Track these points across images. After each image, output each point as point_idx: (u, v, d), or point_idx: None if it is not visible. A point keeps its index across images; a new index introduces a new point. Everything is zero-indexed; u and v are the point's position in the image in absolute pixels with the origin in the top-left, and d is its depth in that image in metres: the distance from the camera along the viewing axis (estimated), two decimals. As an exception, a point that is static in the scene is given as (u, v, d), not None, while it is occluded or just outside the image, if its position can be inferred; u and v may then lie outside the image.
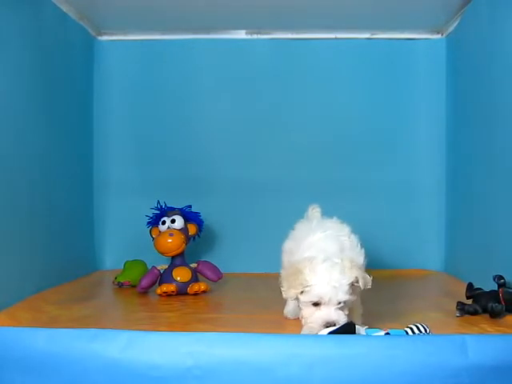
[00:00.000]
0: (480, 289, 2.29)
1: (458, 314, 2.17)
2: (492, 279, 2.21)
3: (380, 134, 3.39)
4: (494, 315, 2.10)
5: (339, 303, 1.74)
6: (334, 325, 1.69)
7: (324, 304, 1.74)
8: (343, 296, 1.74)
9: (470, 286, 2.34)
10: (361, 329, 1.69)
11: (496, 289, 2.18)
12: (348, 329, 1.63)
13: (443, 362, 1.45)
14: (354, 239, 1.95)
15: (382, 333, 1.65)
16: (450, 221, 3.26)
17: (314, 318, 1.74)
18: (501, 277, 2.18)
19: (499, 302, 2.11)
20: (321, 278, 1.74)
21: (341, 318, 1.72)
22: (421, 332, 1.69)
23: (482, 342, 1.48)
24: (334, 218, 2.07)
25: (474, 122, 2.82)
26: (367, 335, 1.65)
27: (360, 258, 1.89)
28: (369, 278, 1.82)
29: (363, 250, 1.93)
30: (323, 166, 3.37)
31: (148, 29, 3.38)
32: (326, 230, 1.93)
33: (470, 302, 2.24)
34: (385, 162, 3.39)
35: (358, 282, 1.78)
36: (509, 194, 2.35)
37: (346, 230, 1.97)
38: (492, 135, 2.56)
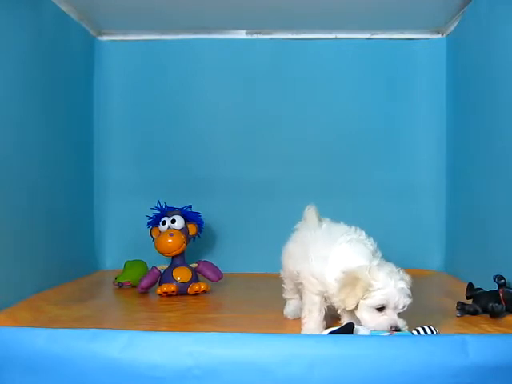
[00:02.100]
0: (480, 289, 2.30)
1: (458, 314, 2.18)
2: (492, 279, 2.21)
3: (380, 134, 3.39)
4: (494, 315, 2.10)
5: (403, 307, 1.74)
6: (399, 330, 1.70)
7: (389, 308, 1.73)
8: (408, 300, 1.74)
9: (470, 286, 2.34)
10: (360, 329, 1.69)
11: (496, 289, 2.18)
12: (348, 329, 1.63)
13: (444, 361, 1.45)
14: (373, 242, 1.94)
15: (387, 334, 1.65)
16: (450, 221, 3.26)
17: (379, 323, 1.73)
18: (501, 277, 2.19)
19: (499, 302, 2.11)
20: (387, 281, 1.73)
21: (404, 325, 1.73)
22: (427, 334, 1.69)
23: (482, 342, 1.49)
24: (341, 223, 2.04)
25: (474, 122, 2.82)
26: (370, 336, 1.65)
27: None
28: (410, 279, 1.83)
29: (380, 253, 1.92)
30: (323, 166, 3.37)
31: (148, 29, 3.38)
32: (348, 236, 1.91)
33: (470, 302, 2.24)
34: (385, 162, 3.39)
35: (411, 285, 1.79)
36: (509, 195, 2.35)
37: (363, 233, 1.96)
38: (492, 135, 2.56)
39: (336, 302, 1.82)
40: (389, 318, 1.73)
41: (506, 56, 2.39)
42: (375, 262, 1.81)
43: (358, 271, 1.76)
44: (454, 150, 3.19)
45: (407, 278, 1.78)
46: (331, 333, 1.65)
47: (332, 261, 1.85)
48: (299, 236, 2.14)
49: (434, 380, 1.45)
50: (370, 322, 1.74)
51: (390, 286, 1.73)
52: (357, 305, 1.76)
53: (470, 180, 2.88)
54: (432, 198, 3.36)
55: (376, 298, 1.73)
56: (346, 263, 1.81)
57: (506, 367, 1.46)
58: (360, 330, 1.68)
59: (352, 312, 1.81)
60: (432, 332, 1.70)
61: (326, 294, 1.89)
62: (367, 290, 1.73)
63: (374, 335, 1.65)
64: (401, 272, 1.78)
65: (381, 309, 1.74)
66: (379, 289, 1.73)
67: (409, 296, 1.74)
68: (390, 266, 1.79)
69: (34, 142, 2.56)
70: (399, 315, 1.74)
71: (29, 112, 2.50)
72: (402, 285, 1.74)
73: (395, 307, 1.73)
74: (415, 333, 1.70)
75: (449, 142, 3.28)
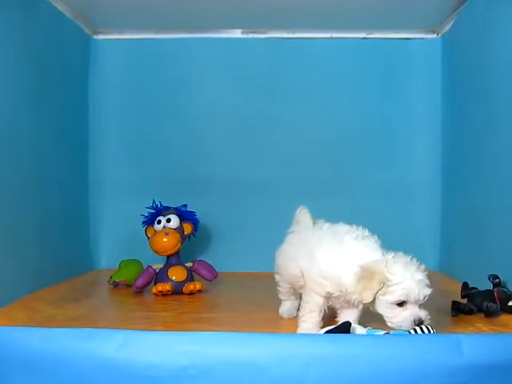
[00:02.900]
0: (475, 288, 2.30)
1: (453, 314, 2.18)
2: (487, 278, 2.21)
3: (375, 133, 3.40)
4: (489, 314, 2.10)
5: (424, 298, 1.72)
6: (422, 322, 1.69)
7: (410, 302, 1.72)
8: (428, 290, 1.73)
9: (465, 286, 2.35)
10: (357, 328, 1.69)
11: (491, 288, 2.19)
12: (344, 328, 1.63)
13: (439, 361, 1.45)
14: (377, 239, 1.93)
15: (384, 333, 1.65)
16: (445, 220, 3.27)
17: (403, 318, 1.71)
18: (496, 276, 2.19)
19: (494, 302, 2.12)
20: (404, 275, 1.71)
21: (427, 315, 1.72)
22: (424, 333, 1.69)
23: (477, 341, 1.49)
24: (341, 223, 2.01)
25: (470, 122, 2.83)
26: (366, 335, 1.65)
27: None
28: None
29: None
30: (319, 165, 3.38)
31: (144, 28, 3.37)
32: (354, 233, 1.90)
33: (465, 301, 2.24)
34: (380, 161, 3.39)
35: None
36: (504, 194, 2.36)
37: (366, 231, 1.95)
38: (487, 135, 2.57)
39: (353, 297, 1.80)
40: (411, 312, 1.71)
41: (501, 55, 2.40)
42: (390, 254, 1.79)
43: (374, 265, 1.75)
44: (449, 150, 3.20)
45: (423, 267, 1.77)
46: (327, 332, 1.64)
47: (344, 259, 1.82)
48: (295, 238, 2.12)
49: (430, 379, 1.45)
50: (393, 318, 1.73)
51: (408, 280, 1.71)
52: (374, 300, 1.74)
53: (465, 180, 2.89)
54: (427, 197, 3.36)
55: (396, 294, 1.71)
56: (360, 259, 1.79)
57: (500, 366, 1.46)
58: (357, 329, 1.68)
59: (349, 311, 1.81)
60: (429, 331, 1.69)
61: (336, 294, 1.86)
62: (384, 283, 1.72)
63: (370, 334, 1.65)
64: (416, 262, 1.76)
65: (401, 303, 1.72)
66: (397, 283, 1.71)
67: (428, 286, 1.73)
68: (405, 258, 1.77)
69: (28, 140, 2.55)
70: (420, 306, 1.73)
71: (23, 111, 2.49)
72: (420, 276, 1.72)
73: (416, 301, 1.72)
74: (412, 332, 1.69)
75: (444, 141, 3.28)
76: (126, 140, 3.45)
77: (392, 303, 1.72)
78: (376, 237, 1.92)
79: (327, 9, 3.01)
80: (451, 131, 3.16)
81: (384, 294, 1.72)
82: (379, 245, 1.88)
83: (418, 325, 1.69)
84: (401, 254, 1.81)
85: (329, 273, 1.86)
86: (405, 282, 1.71)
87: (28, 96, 2.56)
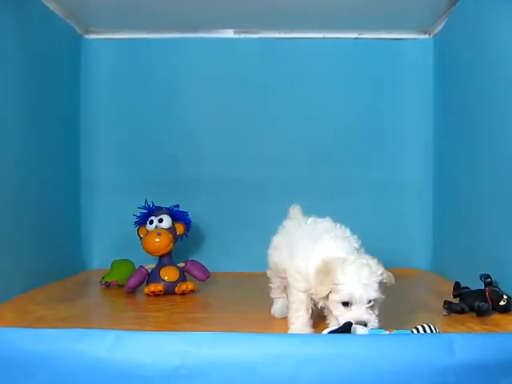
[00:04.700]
0: (467, 288, 2.31)
1: (445, 313, 2.19)
2: (479, 278, 2.22)
3: (367, 133, 3.40)
4: (481, 314, 2.11)
5: (369, 302, 1.73)
6: (365, 325, 1.70)
7: (355, 304, 1.73)
8: (373, 294, 1.73)
9: (456, 285, 2.36)
10: (358, 328, 1.69)
11: (483, 288, 2.19)
12: (346, 328, 1.63)
13: (430, 360, 1.45)
14: (358, 239, 1.94)
15: (387, 333, 1.65)
16: (437, 220, 3.28)
17: (347, 317, 1.72)
18: (487, 276, 2.20)
19: (486, 301, 2.13)
20: (351, 277, 1.73)
21: (372, 318, 1.72)
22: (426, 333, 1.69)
23: (468, 341, 1.49)
24: (327, 218, 2.04)
25: (461, 122, 2.84)
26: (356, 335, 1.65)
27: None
28: (392, 275, 1.82)
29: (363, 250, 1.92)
30: (311, 165, 3.38)
31: (136, 27, 3.36)
32: (333, 233, 1.92)
33: (457, 300, 2.25)
34: (372, 161, 3.40)
35: (384, 279, 1.78)
36: (495, 194, 2.37)
37: (348, 231, 1.96)
38: (478, 135, 2.58)
39: (311, 290, 1.84)
40: (354, 313, 1.73)
41: (492, 56, 2.41)
42: (353, 256, 1.81)
43: (333, 262, 1.77)
44: (440, 150, 3.21)
45: (382, 272, 1.77)
46: (331, 332, 1.64)
47: (315, 257, 1.85)
48: (284, 231, 2.16)
49: (421, 379, 1.45)
50: (339, 316, 1.75)
51: (354, 282, 1.73)
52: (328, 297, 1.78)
53: (457, 179, 2.90)
54: (419, 197, 3.38)
55: (340, 294, 1.74)
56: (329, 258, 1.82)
57: (492, 366, 1.46)
58: (358, 329, 1.68)
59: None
60: (431, 331, 1.69)
61: (310, 291, 1.89)
62: (333, 283, 1.75)
63: (373, 334, 1.65)
64: (375, 266, 1.77)
65: (347, 303, 1.74)
66: (342, 284, 1.74)
67: (375, 290, 1.73)
68: (366, 261, 1.77)
69: (20, 140, 2.54)
70: (372, 308, 1.74)
71: (14, 111, 2.48)
72: (367, 280, 1.73)
73: (360, 302, 1.73)
74: (415, 331, 1.69)
75: (435, 141, 3.29)
76: (118, 140, 3.44)
77: (337, 302, 1.75)
78: (356, 237, 1.93)
79: (319, 9, 3.01)
80: (443, 131, 3.17)
81: (332, 292, 1.76)
82: (358, 246, 1.90)
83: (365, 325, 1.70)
84: (369, 257, 1.82)
85: (300, 268, 1.90)
86: (349, 283, 1.73)
87: (19, 95, 2.55)
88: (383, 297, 1.77)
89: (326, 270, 1.77)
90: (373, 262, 1.79)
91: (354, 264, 1.76)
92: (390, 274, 1.82)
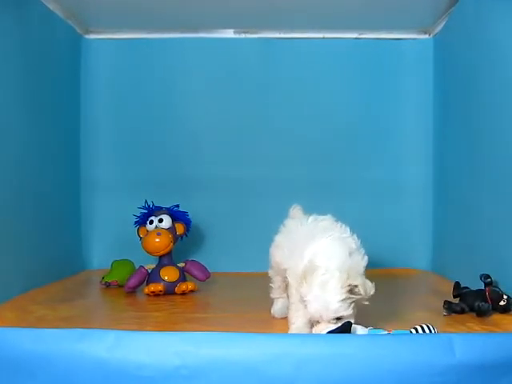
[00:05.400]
0: (467, 288, 2.31)
1: (445, 313, 2.18)
2: (479, 278, 2.22)
3: (367, 133, 3.40)
4: (481, 314, 2.11)
5: (330, 320, 1.71)
6: None
7: (317, 320, 1.73)
8: (333, 314, 1.71)
9: (456, 285, 2.36)
10: (357, 328, 1.69)
11: (483, 288, 2.19)
12: (346, 328, 1.63)
13: (430, 360, 1.45)
14: (357, 239, 1.91)
15: (386, 333, 1.65)
16: (437, 220, 3.28)
17: (314, 330, 1.74)
18: (487, 276, 2.19)
19: (486, 301, 2.12)
20: (314, 295, 1.72)
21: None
22: (425, 333, 1.69)
23: (468, 341, 1.49)
24: (329, 216, 2.03)
25: (461, 122, 2.84)
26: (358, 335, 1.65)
27: (363, 261, 1.85)
28: (370, 285, 1.78)
29: (363, 250, 1.90)
30: (311, 165, 3.38)
31: (136, 27, 3.36)
32: (330, 233, 1.89)
33: (456, 300, 2.25)
34: (372, 161, 3.40)
35: (359, 292, 1.74)
36: (495, 194, 2.37)
37: (347, 230, 1.94)
38: (478, 135, 2.58)
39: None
40: (319, 328, 1.72)
41: (492, 56, 2.40)
42: (334, 263, 1.75)
43: (307, 272, 1.76)
44: (441, 149, 3.21)
45: (355, 285, 1.72)
46: (329, 332, 1.64)
47: (305, 257, 1.84)
48: (286, 230, 2.15)
49: (421, 379, 1.45)
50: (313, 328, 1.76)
51: (315, 302, 1.71)
52: None
53: (457, 179, 2.90)
54: (419, 196, 3.37)
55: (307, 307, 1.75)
56: (324, 259, 1.79)
57: (492, 366, 1.46)
58: (358, 329, 1.68)
59: None
60: (430, 331, 1.69)
61: None
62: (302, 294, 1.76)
63: (372, 334, 1.65)
64: (344, 281, 1.71)
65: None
66: (307, 300, 1.74)
67: (336, 310, 1.70)
68: (338, 273, 1.72)
69: (20, 140, 2.54)
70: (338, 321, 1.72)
71: (14, 111, 2.48)
72: (330, 298, 1.70)
73: (322, 320, 1.72)
74: (413, 331, 1.69)
75: (436, 141, 3.29)
76: (118, 140, 3.44)
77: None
78: (356, 236, 1.92)
79: (319, 9, 3.01)
80: (443, 131, 3.17)
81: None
82: (356, 246, 1.87)
83: None
84: (338, 273, 1.73)
85: (297, 267, 1.88)
86: (312, 302, 1.72)
87: (19, 95, 2.55)
88: (350, 312, 1.72)
89: (310, 271, 1.76)
90: (344, 275, 1.72)
91: (322, 277, 1.72)
92: (369, 283, 1.78)
